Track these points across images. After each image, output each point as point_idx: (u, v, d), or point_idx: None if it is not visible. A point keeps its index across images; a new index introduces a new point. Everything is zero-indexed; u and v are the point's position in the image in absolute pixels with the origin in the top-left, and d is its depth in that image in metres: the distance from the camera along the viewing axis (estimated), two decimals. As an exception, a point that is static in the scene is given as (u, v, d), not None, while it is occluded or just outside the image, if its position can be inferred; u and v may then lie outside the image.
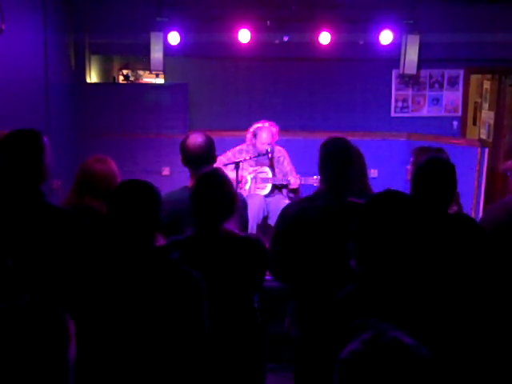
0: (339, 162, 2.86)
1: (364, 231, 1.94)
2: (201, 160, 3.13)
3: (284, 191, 5.42)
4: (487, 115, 8.00)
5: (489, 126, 7.88)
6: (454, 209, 3.14)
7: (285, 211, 2.97)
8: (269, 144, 5.19)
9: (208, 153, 3.16)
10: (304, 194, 5.10)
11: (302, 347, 2.82)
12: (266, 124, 5.25)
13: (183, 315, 2.02)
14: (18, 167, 2.51)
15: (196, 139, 3.17)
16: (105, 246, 2.11)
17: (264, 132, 5.20)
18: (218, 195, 2.52)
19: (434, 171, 2.63)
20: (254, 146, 5.26)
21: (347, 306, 1.93)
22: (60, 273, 2.40)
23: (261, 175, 5.37)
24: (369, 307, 1.89)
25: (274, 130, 5.24)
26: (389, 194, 2.02)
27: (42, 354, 1.30)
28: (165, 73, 6.41)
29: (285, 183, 5.29)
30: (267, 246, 2.85)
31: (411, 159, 3.73)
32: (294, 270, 2.87)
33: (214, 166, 3.23)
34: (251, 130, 5.29)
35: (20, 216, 2.48)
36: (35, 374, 1.29)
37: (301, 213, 2.86)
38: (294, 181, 5.19)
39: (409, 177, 3.64)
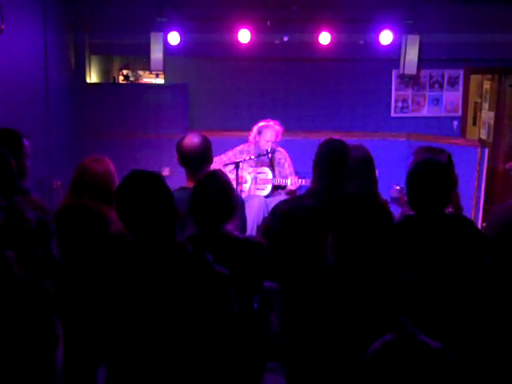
0: (333, 163, 2.87)
1: (340, 226, 2.00)
2: (197, 160, 3.14)
3: (282, 192, 5.43)
4: (487, 115, 8.00)
5: (489, 125, 7.88)
6: (449, 210, 3.12)
7: (274, 210, 2.99)
8: (272, 142, 5.21)
9: (204, 153, 3.17)
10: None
11: (289, 345, 2.84)
12: (271, 122, 5.28)
13: (218, 314, 2.03)
14: None
15: (192, 140, 3.18)
16: (132, 248, 2.06)
17: (269, 130, 5.22)
18: (219, 197, 2.52)
19: (424, 174, 2.62)
20: (257, 143, 5.27)
21: (324, 311, 1.94)
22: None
23: (261, 176, 5.37)
24: (348, 309, 1.90)
25: (278, 128, 5.26)
26: (355, 196, 2.12)
27: (29, 354, 1.31)
28: (165, 73, 6.41)
29: (283, 184, 5.30)
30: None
31: (412, 159, 3.72)
32: (282, 268, 2.88)
33: (212, 166, 3.24)
34: (256, 127, 5.31)
35: None
36: (22, 373, 1.30)
37: (289, 212, 2.87)
38: (292, 182, 5.21)
39: None
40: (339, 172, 2.90)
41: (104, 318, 1.99)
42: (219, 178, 2.60)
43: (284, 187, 5.32)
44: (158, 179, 2.06)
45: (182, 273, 1.99)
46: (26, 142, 2.64)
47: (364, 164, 3.36)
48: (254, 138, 5.30)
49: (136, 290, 1.97)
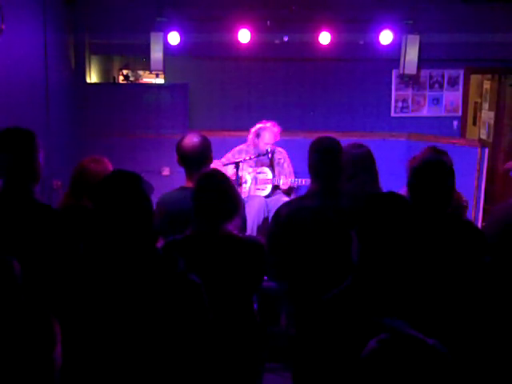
0: (326, 162, 2.88)
1: (367, 227, 1.98)
2: (196, 160, 3.13)
3: (280, 191, 5.43)
4: (487, 115, 8.01)
5: (489, 125, 7.88)
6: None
7: (277, 212, 2.99)
8: (272, 144, 5.21)
9: (203, 153, 3.16)
10: (300, 194, 5.10)
11: (301, 347, 2.83)
12: (269, 124, 5.26)
13: (187, 322, 1.99)
14: (11, 165, 2.50)
15: (192, 139, 3.17)
16: (102, 249, 2.05)
17: (267, 132, 5.21)
18: (222, 196, 2.51)
19: (431, 172, 2.63)
20: (256, 146, 5.26)
21: (337, 305, 1.95)
22: (50, 273, 2.40)
23: (261, 176, 5.37)
24: (361, 305, 1.91)
25: (277, 130, 5.25)
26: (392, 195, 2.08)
27: (28, 354, 1.31)
28: (165, 73, 6.41)
29: (278, 184, 5.32)
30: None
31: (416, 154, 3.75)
32: (288, 269, 2.89)
33: (211, 166, 3.23)
34: (253, 130, 5.30)
35: (9, 215, 2.47)
36: (22, 373, 1.30)
37: (292, 213, 2.88)
38: (284, 182, 5.22)
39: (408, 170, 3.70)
40: (334, 169, 2.90)
41: (75, 320, 1.97)
42: (219, 177, 2.60)
43: (278, 186, 5.34)
44: (135, 181, 1.99)
45: (148, 278, 1.95)
46: (40, 144, 2.62)
47: (366, 161, 3.38)
48: (253, 140, 5.29)
49: (104, 293, 1.95)
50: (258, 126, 5.28)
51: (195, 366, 2.03)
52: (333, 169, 2.89)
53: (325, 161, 2.88)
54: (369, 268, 1.97)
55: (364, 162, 3.37)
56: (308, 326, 2.02)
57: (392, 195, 2.07)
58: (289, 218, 2.88)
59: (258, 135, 5.25)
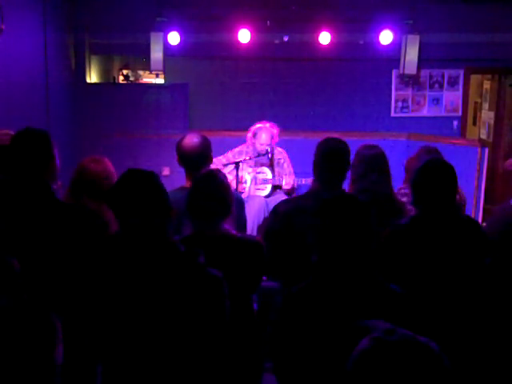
0: (331, 163, 2.88)
1: (319, 226, 2.04)
2: (196, 160, 3.13)
3: (281, 191, 5.42)
4: (487, 115, 8.01)
5: (489, 125, 7.88)
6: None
7: (274, 210, 3.00)
8: (268, 145, 5.19)
9: (203, 153, 3.16)
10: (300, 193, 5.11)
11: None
12: (267, 125, 5.25)
13: (209, 317, 2.01)
14: (32, 165, 2.51)
15: (192, 139, 3.17)
16: (123, 246, 2.06)
17: (264, 132, 5.20)
18: (213, 194, 2.51)
19: (435, 173, 2.63)
20: (254, 146, 5.26)
21: (300, 301, 1.98)
22: (74, 270, 2.41)
23: (260, 176, 5.37)
24: (322, 302, 1.92)
25: (275, 131, 5.24)
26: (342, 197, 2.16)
27: (29, 354, 1.31)
28: (165, 73, 6.41)
29: (279, 184, 5.31)
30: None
31: (413, 155, 3.80)
32: (283, 266, 2.89)
33: (212, 166, 3.23)
34: (251, 129, 5.30)
35: (33, 214, 2.49)
36: (22, 374, 1.31)
37: (290, 212, 2.89)
38: (286, 182, 5.21)
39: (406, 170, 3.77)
40: (338, 171, 2.91)
41: (97, 317, 1.99)
42: (214, 175, 2.60)
43: (280, 187, 5.34)
44: (152, 178, 2.04)
45: (171, 273, 1.98)
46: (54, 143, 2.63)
47: (378, 162, 3.40)
48: (250, 140, 5.29)
49: (125, 289, 1.97)
50: (257, 125, 5.28)
51: (206, 362, 2.04)
52: (335, 170, 2.90)
53: (327, 162, 2.89)
54: (325, 268, 2.00)
55: (376, 163, 3.39)
56: (277, 319, 2.07)
57: (347, 197, 2.10)
58: (286, 216, 2.89)
59: (254, 135, 5.25)
